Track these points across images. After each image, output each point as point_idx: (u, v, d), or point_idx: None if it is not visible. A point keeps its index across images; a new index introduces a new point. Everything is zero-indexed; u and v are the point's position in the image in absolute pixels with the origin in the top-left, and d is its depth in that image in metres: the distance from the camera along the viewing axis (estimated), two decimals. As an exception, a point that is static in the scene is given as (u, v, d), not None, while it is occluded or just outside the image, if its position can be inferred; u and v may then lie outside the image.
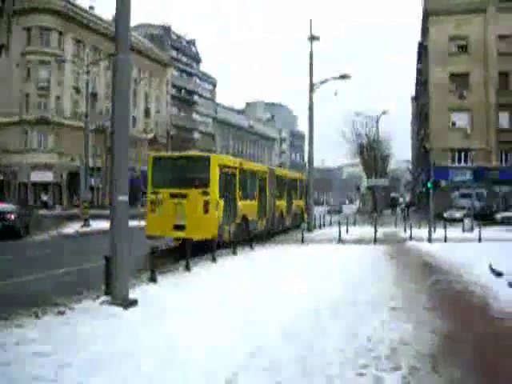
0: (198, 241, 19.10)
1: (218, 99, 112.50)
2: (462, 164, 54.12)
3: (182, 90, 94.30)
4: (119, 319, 9.31)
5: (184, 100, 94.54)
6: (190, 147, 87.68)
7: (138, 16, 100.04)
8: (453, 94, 54.67)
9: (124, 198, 10.48)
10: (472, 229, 31.97)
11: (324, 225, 39.56)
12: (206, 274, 14.75)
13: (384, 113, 63.65)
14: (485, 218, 41.36)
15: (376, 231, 27.63)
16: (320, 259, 18.87)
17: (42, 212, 46.26)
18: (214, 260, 17.37)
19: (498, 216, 44.11)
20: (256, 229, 25.55)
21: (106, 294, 10.74)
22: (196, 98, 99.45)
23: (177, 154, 25.46)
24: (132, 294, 10.69)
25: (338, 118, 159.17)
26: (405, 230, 31.84)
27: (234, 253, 19.79)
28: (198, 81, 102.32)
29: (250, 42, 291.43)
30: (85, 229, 32.30)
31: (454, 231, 30.47)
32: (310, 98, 35.13)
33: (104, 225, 26.04)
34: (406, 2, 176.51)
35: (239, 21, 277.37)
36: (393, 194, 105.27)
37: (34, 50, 60.15)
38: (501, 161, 54.20)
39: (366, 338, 8.36)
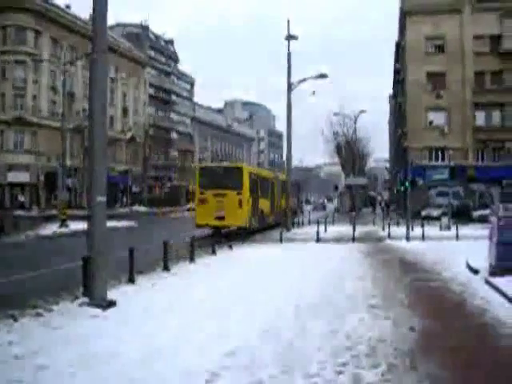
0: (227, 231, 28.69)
1: (196, 99, 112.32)
2: (439, 162, 54.46)
3: (160, 90, 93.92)
4: (98, 320, 9.27)
5: (162, 99, 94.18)
6: (168, 147, 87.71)
7: (116, 15, 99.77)
8: (430, 93, 55.08)
9: (102, 198, 10.45)
10: (449, 227, 32.25)
11: (302, 223, 39.63)
12: (184, 274, 14.74)
13: (362, 112, 63.96)
14: (462, 216, 41.71)
15: (354, 230, 27.75)
16: (298, 258, 18.94)
17: (19, 213, 45.81)
18: (192, 260, 17.36)
19: (475, 214, 44.49)
20: (268, 221, 33.71)
21: (85, 295, 10.68)
22: (174, 97, 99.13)
23: (218, 164, 34.73)
24: (111, 295, 10.65)
25: (317, 117, 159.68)
26: (383, 229, 32.02)
27: (213, 252, 19.78)
28: (175, 80, 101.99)
29: (227, 40, 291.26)
30: (62, 229, 32.05)
31: (432, 229, 30.68)
32: (288, 98, 35.16)
33: (82, 225, 25.86)
34: (384, 2, 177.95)
35: (217, 18, 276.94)
36: (371, 193, 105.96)
37: (9, 50, 59.50)
38: (477, 159, 54.71)
39: (345, 336, 8.41)
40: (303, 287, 12.68)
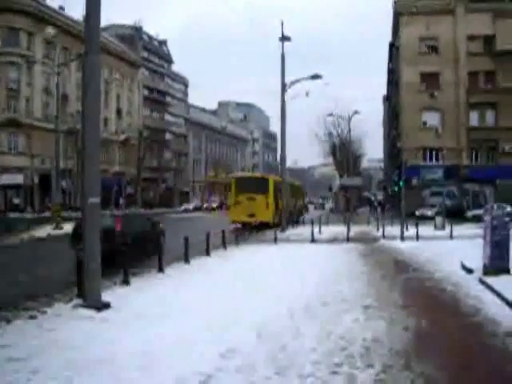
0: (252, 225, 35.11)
1: (190, 100, 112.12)
2: (434, 162, 54.66)
3: (154, 91, 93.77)
4: (92, 323, 9.24)
5: (156, 101, 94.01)
6: (162, 148, 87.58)
7: (109, 16, 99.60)
8: (424, 93, 55.20)
9: (95, 200, 10.42)
10: (443, 226, 32.31)
11: (297, 223, 39.69)
12: (178, 276, 14.71)
13: (356, 112, 64.09)
14: (456, 215, 41.79)
15: (349, 230, 27.77)
16: (293, 259, 18.93)
17: (13, 215, 45.66)
18: (187, 261, 17.33)
19: (469, 213, 44.63)
20: (288, 219, 38.21)
21: (79, 296, 10.66)
22: (168, 98, 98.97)
23: (249, 174, 44.54)
24: (105, 297, 10.63)
25: (311, 118, 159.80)
26: (377, 229, 32.05)
27: (208, 254, 19.74)
28: (169, 81, 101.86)
29: (220, 42, 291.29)
30: (57, 231, 31.96)
31: (426, 229, 30.72)
32: (282, 99, 35.19)
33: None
34: (377, 3, 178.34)
35: (211, 20, 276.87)
36: (366, 194, 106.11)
37: (2, 51, 59.29)
38: (471, 159, 54.84)
39: (339, 336, 8.41)
40: (297, 288, 12.68)
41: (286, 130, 36.34)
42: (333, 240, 27.25)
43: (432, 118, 55.11)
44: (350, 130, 65.11)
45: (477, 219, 35.23)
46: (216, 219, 47.98)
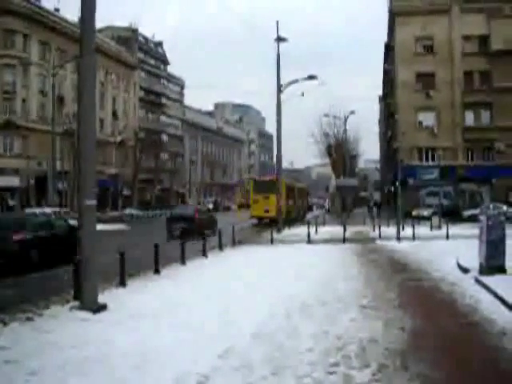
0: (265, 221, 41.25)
1: (186, 101, 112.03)
2: (430, 162, 54.73)
3: (150, 93, 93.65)
4: (89, 324, 9.24)
5: (152, 102, 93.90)
6: (158, 149, 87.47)
7: (105, 18, 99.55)
8: (419, 93, 55.29)
9: (91, 202, 10.41)
10: (440, 226, 32.39)
11: (293, 225, 39.75)
12: (175, 277, 14.71)
13: (352, 113, 64.18)
14: (452, 215, 41.89)
15: (345, 231, 27.81)
16: (290, 260, 18.96)
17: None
18: (183, 263, 17.35)
19: (465, 213, 44.71)
20: (293, 215, 46.65)
21: (75, 298, 10.66)
22: (164, 100, 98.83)
23: (265, 177, 50.42)
24: (102, 299, 10.63)
25: (308, 118, 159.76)
26: (374, 229, 32.09)
27: (204, 255, 19.75)
28: (165, 83, 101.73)
29: (217, 42, 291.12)
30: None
31: (423, 229, 30.84)
32: (278, 99, 35.26)
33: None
34: (374, 3, 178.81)
35: (208, 20, 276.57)
36: (362, 194, 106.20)
37: (-2, 53, 59.20)
38: (467, 159, 54.95)
39: (336, 336, 8.43)
40: (294, 288, 12.70)
41: (281, 131, 36.47)
42: (329, 240, 27.28)
43: (428, 118, 55.23)
44: (345, 130, 65.25)
45: (473, 219, 35.29)
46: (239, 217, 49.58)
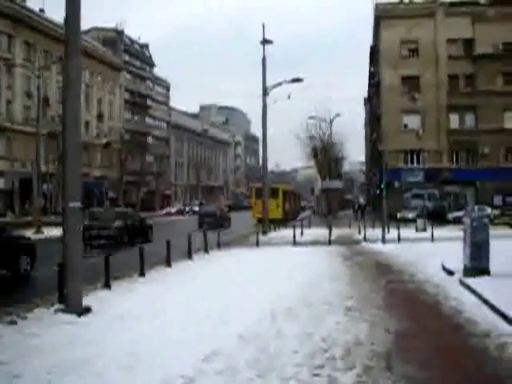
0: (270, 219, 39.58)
1: (172, 103, 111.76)
2: (415, 165, 55.04)
3: (136, 94, 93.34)
4: (73, 327, 9.20)
5: (137, 104, 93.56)
6: (144, 152, 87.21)
7: (90, 19, 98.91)
8: (404, 96, 55.57)
9: (76, 204, 10.35)
10: (425, 229, 32.53)
11: (279, 227, 39.80)
12: (160, 280, 14.66)
13: (337, 115, 64.49)
14: (437, 217, 42.10)
15: (331, 233, 27.86)
16: (274, 262, 18.96)
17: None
18: (168, 265, 17.30)
19: (450, 216, 45.00)
20: (289, 216, 54.46)
21: (60, 301, 10.59)
22: (149, 102, 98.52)
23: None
24: (87, 301, 10.58)
25: (294, 120, 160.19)
26: (359, 232, 32.18)
27: (190, 257, 19.70)
28: (151, 85, 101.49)
29: (203, 45, 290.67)
30: (38, 236, 31.71)
31: (408, 231, 30.95)
32: (264, 102, 35.28)
33: (58, 232, 25.64)
34: (361, 6, 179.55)
35: (192, 22, 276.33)
36: (348, 196, 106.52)
37: (-18, 55, 58.75)
38: (452, 161, 55.31)
39: (321, 338, 8.44)
40: (280, 290, 12.70)
41: (267, 133, 36.50)
42: (315, 242, 27.33)
43: (413, 121, 55.52)
44: (331, 132, 65.51)
45: (457, 221, 35.55)
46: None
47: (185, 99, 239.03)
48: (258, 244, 25.91)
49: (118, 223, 27.81)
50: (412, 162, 55.39)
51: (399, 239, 26.42)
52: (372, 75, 73.85)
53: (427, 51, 55.87)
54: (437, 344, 8.29)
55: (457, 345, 8.25)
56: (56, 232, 27.80)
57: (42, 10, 69.04)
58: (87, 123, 71.87)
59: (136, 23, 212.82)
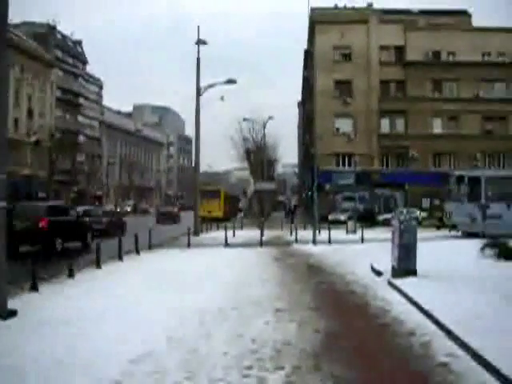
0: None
1: (105, 102, 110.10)
2: (346, 168, 55.97)
3: (67, 92, 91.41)
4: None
5: (69, 102, 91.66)
6: (75, 151, 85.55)
7: (21, 13, 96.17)
8: (337, 100, 56.48)
9: (1, 203, 9.99)
10: (355, 230, 33.12)
11: (211, 228, 39.74)
12: (88, 282, 14.35)
13: (271, 118, 64.99)
14: (367, 219, 43.01)
15: (262, 234, 27.97)
16: (205, 263, 18.87)
17: None
18: (98, 266, 16.99)
19: (380, 218, 46.02)
20: (228, 215, 62.84)
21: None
22: (82, 100, 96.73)
23: (209, 187, 65.45)
24: (13, 304, 10.25)
25: (228, 122, 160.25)
26: (291, 233, 32.44)
27: (120, 259, 19.41)
28: (84, 83, 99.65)
29: (137, 44, 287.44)
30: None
31: (338, 233, 31.42)
32: (197, 103, 35.15)
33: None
34: (295, 11, 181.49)
35: (127, 21, 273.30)
36: (280, 198, 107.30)
37: None
38: (382, 164, 56.60)
39: (250, 339, 8.44)
40: (209, 291, 12.66)
41: (201, 134, 36.35)
42: (246, 244, 27.38)
43: (345, 125, 56.54)
44: (264, 135, 65.94)
45: (387, 223, 36.34)
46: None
47: (118, 98, 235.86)
48: (189, 245, 25.76)
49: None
50: (343, 165, 56.35)
51: (330, 241, 26.77)
52: (306, 79, 74.71)
53: (360, 57, 57.04)
54: (364, 343, 8.42)
55: (383, 344, 8.39)
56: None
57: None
58: (16, 120, 69.85)
59: (70, 19, 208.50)
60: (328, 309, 11.03)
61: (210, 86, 35.69)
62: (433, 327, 9.06)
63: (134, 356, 7.44)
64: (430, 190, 51.91)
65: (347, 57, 57.86)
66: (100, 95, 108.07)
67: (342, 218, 45.13)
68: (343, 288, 13.62)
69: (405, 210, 14.82)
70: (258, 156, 71.21)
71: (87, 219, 29.74)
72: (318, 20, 57.94)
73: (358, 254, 20.26)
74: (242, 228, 39.41)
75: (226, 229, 28.38)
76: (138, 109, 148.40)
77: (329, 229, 28.42)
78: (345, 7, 60.79)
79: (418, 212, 45.61)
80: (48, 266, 16.16)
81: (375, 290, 12.87)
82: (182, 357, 7.51)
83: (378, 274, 15.14)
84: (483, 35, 57.56)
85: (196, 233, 33.44)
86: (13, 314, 9.82)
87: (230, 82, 35.85)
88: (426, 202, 53.49)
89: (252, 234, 32.76)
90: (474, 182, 29.68)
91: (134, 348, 7.81)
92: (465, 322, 8.67)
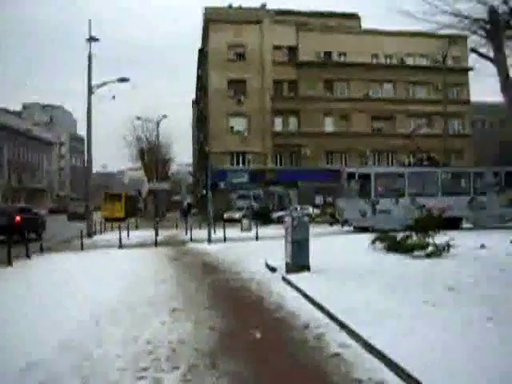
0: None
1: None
2: (240, 166, 56.36)
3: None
4: None
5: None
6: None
7: None
8: (231, 99, 56.74)
9: None
10: (250, 228, 33.42)
11: (105, 230, 38.95)
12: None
13: (164, 117, 64.48)
14: (262, 217, 43.53)
15: (157, 234, 27.71)
16: (99, 265, 18.47)
17: None
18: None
19: (274, 215, 46.62)
20: (129, 215, 64.55)
21: None
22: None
23: (112, 192, 74.89)
24: None
25: (121, 121, 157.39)
26: (186, 232, 32.33)
27: (9, 263, 18.60)
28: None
29: (25, 40, 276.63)
30: None
31: (234, 231, 31.60)
32: (89, 101, 34.25)
33: None
34: (191, 9, 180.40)
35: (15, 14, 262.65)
36: (176, 198, 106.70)
37: None
38: (276, 163, 57.37)
39: (145, 341, 8.34)
40: (103, 294, 12.37)
41: (93, 134, 35.44)
42: (141, 245, 27.03)
43: (239, 123, 56.85)
44: (158, 134, 65.39)
45: (281, 220, 36.92)
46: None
47: (5, 97, 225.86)
48: (82, 247, 25.11)
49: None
50: (238, 164, 56.67)
51: (225, 239, 26.89)
52: (200, 78, 74.60)
53: (254, 56, 57.56)
54: (260, 339, 8.50)
55: (279, 338, 8.52)
56: None
57: None
58: None
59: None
60: (224, 307, 11.06)
61: (103, 84, 34.91)
62: (326, 320, 9.31)
63: (24, 365, 7.15)
64: (323, 187, 53.11)
65: (241, 56, 58.18)
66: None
67: (237, 216, 45.42)
68: (239, 285, 13.69)
69: (298, 207, 15.11)
70: (152, 155, 70.45)
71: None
72: (213, 19, 57.92)
73: (253, 252, 20.49)
74: (137, 228, 38.84)
75: (120, 229, 27.88)
76: (28, 108, 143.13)
77: (224, 227, 28.54)
78: (240, 7, 61.15)
79: (311, 209, 46.76)
80: None
81: (270, 286, 13.04)
82: (76, 362, 7.32)
83: (273, 270, 15.35)
84: (372, 38, 59.78)
85: (90, 235, 32.62)
86: None
87: (123, 80, 35.24)
88: (319, 199, 54.77)
89: (147, 234, 32.40)
90: (364, 178, 30.75)
91: (24, 356, 7.49)
92: (356, 313, 8.99)
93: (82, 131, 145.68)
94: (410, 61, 61.90)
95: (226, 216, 46.59)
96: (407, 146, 51.92)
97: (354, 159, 56.97)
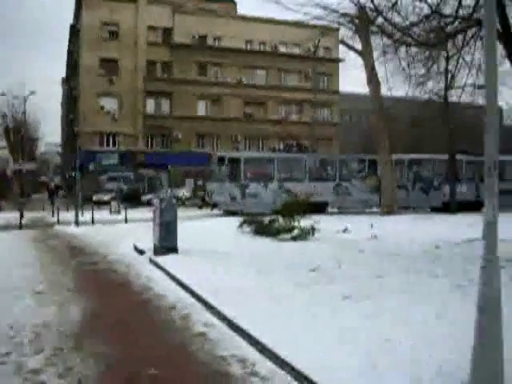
0: None
1: None
2: (111, 148, 55.38)
3: None
4: None
5: None
6: None
7: None
8: (102, 78, 55.42)
9: None
10: (119, 211, 33.05)
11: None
12: None
13: (32, 93, 62.04)
14: (132, 199, 43.12)
15: (22, 217, 26.78)
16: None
17: None
18: None
19: (144, 198, 46.32)
20: None
21: None
22: None
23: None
24: None
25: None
26: (52, 214, 31.49)
27: None
28: None
29: None
30: None
31: (103, 214, 31.20)
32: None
33: None
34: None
35: None
36: (43, 178, 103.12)
37: None
38: (147, 145, 56.86)
39: (7, 326, 8.12)
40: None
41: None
42: (4, 227, 26.01)
43: (110, 104, 55.69)
44: (25, 111, 62.84)
45: (151, 203, 36.81)
46: None
47: None
48: None
49: None
50: (108, 145, 55.63)
51: (93, 221, 26.51)
52: (71, 55, 72.23)
53: (127, 36, 56.53)
54: (126, 320, 8.58)
55: (145, 319, 8.64)
56: None
57: None
58: None
59: None
60: (90, 289, 11.01)
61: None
62: (192, 300, 9.55)
63: None
64: (194, 171, 53.31)
65: (114, 35, 56.87)
66: None
67: (106, 198, 44.59)
68: (106, 267, 13.63)
69: (168, 190, 15.25)
70: (18, 134, 67.58)
71: None
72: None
73: (122, 234, 20.41)
74: (0, 210, 37.30)
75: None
76: None
77: (92, 209, 28.09)
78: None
79: (182, 192, 46.87)
80: None
81: (138, 269, 13.10)
82: None
83: (141, 252, 15.39)
84: (247, 24, 60.44)
85: None
86: None
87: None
88: (189, 183, 54.87)
89: (11, 216, 31.17)
90: (234, 162, 31.29)
91: None
92: (221, 294, 9.28)
93: None
94: (283, 49, 63.13)
95: (95, 198, 45.59)
96: (278, 133, 53.34)
97: (226, 144, 57.50)
